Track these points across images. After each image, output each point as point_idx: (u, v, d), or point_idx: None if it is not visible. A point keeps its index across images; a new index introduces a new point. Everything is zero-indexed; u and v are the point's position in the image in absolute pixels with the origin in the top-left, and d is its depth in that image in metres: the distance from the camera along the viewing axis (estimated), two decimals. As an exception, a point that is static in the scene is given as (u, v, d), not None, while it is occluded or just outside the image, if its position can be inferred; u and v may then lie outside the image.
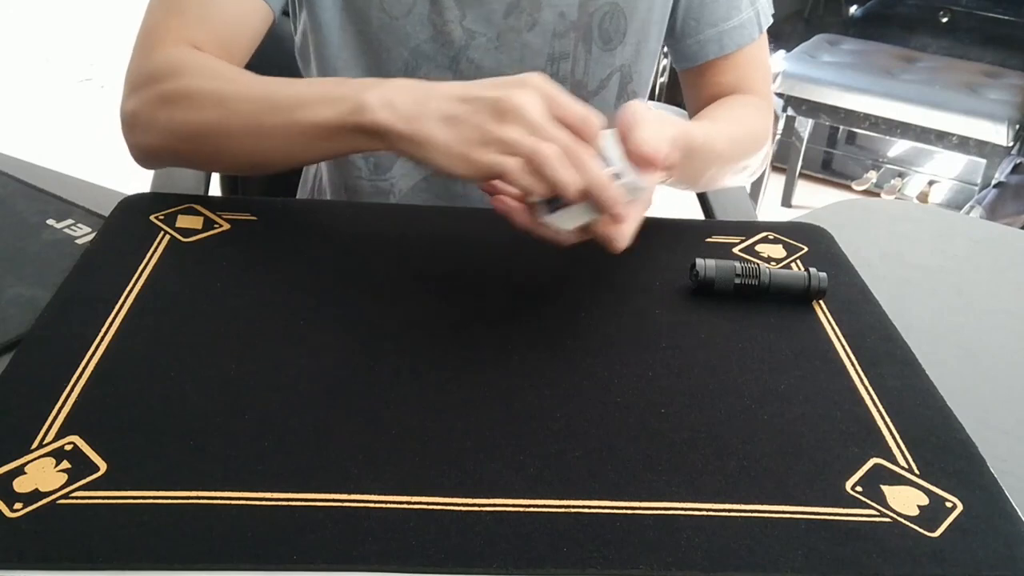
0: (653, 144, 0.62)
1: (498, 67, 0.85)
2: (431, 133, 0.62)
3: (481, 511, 0.49)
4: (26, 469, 0.50)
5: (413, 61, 0.84)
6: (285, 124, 0.68)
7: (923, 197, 2.68)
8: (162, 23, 0.77)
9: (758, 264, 0.71)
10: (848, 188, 2.75)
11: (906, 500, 0.53)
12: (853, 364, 0.64)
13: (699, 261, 0.70)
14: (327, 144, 0.67)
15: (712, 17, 0.91)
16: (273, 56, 0.98)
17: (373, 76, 0.85)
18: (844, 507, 0.52)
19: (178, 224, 0.73)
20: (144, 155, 0.78)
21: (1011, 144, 2.37)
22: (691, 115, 0.96)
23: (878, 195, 2.66)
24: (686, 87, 0.98)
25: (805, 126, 2.60)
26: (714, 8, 0.90)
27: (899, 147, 2.82)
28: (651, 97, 1.08)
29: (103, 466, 0.50)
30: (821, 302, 0.71)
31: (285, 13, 0.88)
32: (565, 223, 0.62)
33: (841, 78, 2.52)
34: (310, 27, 0.86)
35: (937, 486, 0.54)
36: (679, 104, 1.18)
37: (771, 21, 0.94)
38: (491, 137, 0.60)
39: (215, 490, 0.49)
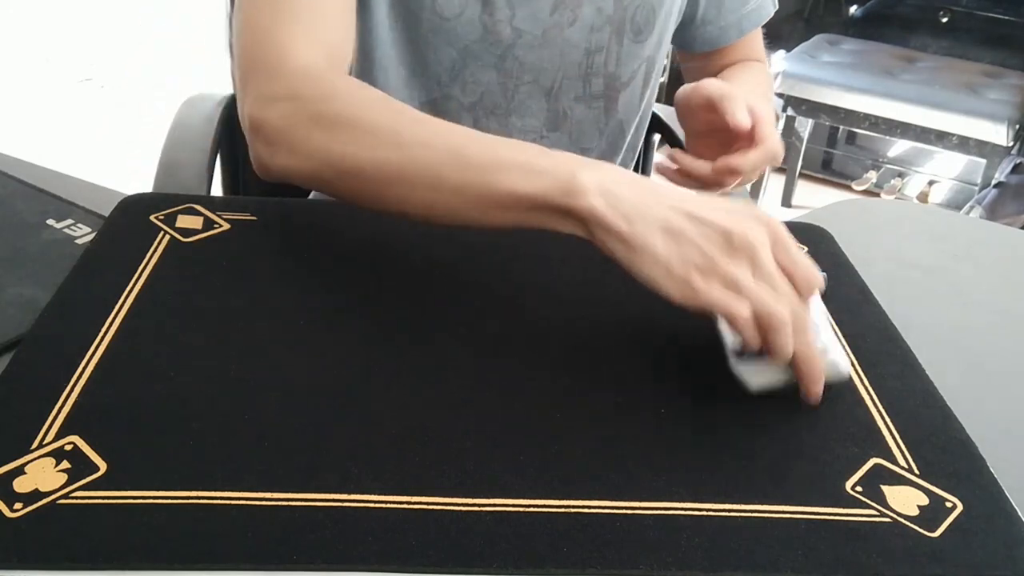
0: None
1: (540, 63, 0.86)
2: (651, 242, 0.55)
3: (481, 511, 0.49)
4: (26, 469, 0.50)
5: (460, 60, 0.84)
6: (474, 185, 0.60)
7: (923, 197, 2.68)
8: (276, 23, 0.70)
9: (758, 264, 0.71)
10: (848, 188, 2.75)
11: (906, 500, 0.53)
12: (853, 364, 0.64)
13: (699, 261, 0.70)
14: (518, 216, 0.60)
15: (733, 3, 0.95)
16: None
17: (417, 74, 0.86)
18: (844, 507, 0.52)
19: (178, 224, 0.73)
20: (280, 175, 0.70)
21: (1011, 144, 2.37)
22: None
23: (878, 195, 2.66)
24: (691, 67, 1.02)
25: (805, 126, 2.60)
26: None
27: (899, 147, 2.82)
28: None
29: (103, 466, 0.50)
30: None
31: None
32: (754, 379, 0.59)
33: (841, 78, 2.52)
34: (359, 26, 0.86)
35: (937, 486, 0.54)
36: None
37: None
38: (718, 269, 0.54)
39: (215, 490, 0.49)
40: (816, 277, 0.58)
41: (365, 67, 0.87)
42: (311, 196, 1.00)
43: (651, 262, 0.56)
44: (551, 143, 0.90)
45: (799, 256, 0.57)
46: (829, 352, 0.59)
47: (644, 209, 0.56)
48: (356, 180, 0.65)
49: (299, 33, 0.70)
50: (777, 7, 0.99)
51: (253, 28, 0.71)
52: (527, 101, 0.88)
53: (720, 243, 0.55)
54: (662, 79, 2.63)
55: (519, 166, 0.59)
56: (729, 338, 0.61)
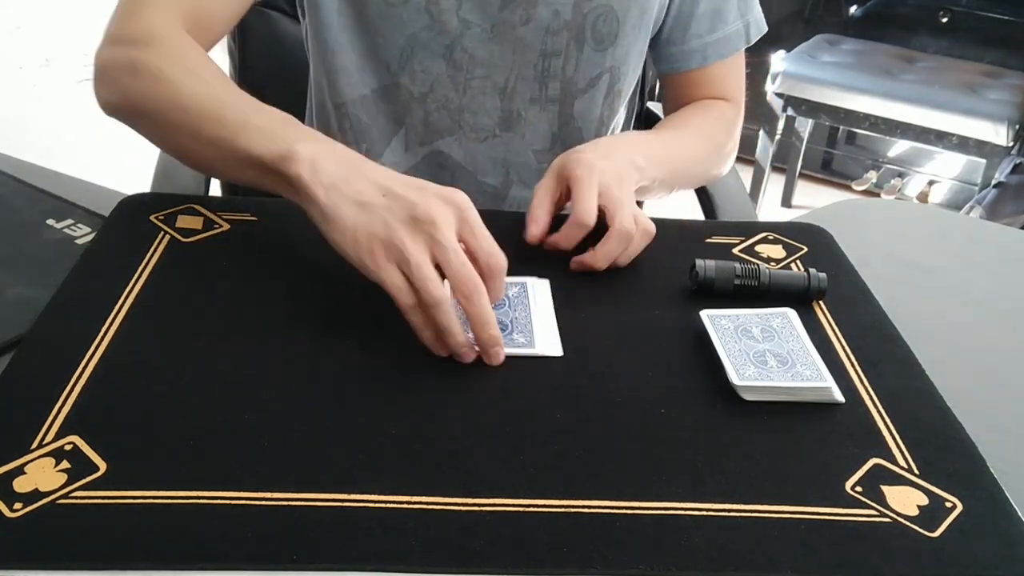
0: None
1: (491, 59, 0.86)
2: (343, 212, 0.61)
3: (481, 511, 0.49)
4: (26, 469, 0.50)
5: (408, 48, 0.85)
6: (223, 140, 0.68)
7: (923, 197, 2.67)
8: None
9: (758, 265, 0.71)
10: (848, 188, 2.75)
11: (906, 500, 0.53)
12: (853, 364, 0.64)
13: (699, 262, 0.70)
14: (255, 176, 0.67)
15: (698, 28, 0.92)
16: (273, 55, 0.98)
17: (368, 59, 0.87)
18: (844, 507, 0.52)
19: (178, 224, 0.73)
20: (104, 107, 0.79)
21: (1011, 144, 2.37)
22: (666, 114, 0.99)
23: (878, 195, 2.66)
24: (665, 89, 1.00)
25: (805, 126, 2.60)
26: (701, 19, 0.92)
27: (899, 147, 2.82)
28: (649, 97, 1.09)
29: (103, 466, 0.50)
30: (821, 302, 0.71)
31: (267, 6, 0.89)
32: (750, 396, 0.60)
33: (841, 78, 2.52)
34: (308, 10, 0.86)
35: (937, 486, 0.54)
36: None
37: (762, 33, 0.95)
38: (394, 241, 0.58)
39: (215, 490, 0.49)
40: (497, 255, 0.60)
41: (319, 51, 0.88)
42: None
43: (340, 230, 0.61)
44: (504, 143, 0.90)
45: (484, 238, 0.60)
46: (823, 377, 0.60)
47: (342, 182, 0.61)
48: (145, 121, 0.75)
49: None
50: (750, 43, 0.95)
51: None
52: (479, 97, 0.88)
53: (403, 217, 0.59)
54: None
55: (259, 131, 0.66)
56: (727, 362, 0.61)
